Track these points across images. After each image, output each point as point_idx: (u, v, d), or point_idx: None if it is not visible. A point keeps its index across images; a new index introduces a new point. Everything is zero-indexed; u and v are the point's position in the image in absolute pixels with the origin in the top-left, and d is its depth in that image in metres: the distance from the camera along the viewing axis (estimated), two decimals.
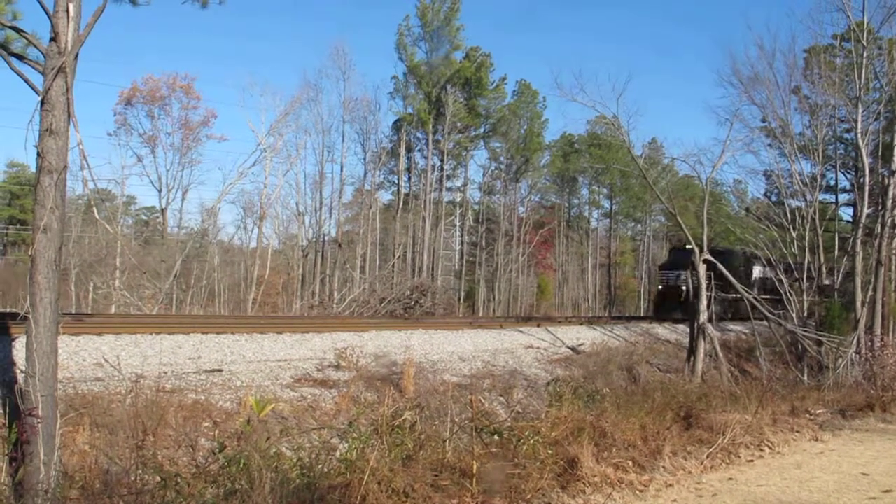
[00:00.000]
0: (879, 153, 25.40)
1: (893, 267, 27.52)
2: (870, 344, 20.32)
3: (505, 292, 53.72)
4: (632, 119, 29.70)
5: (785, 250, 25.76)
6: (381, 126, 51.48)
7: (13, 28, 7.56)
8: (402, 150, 51.29)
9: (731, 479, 8.64)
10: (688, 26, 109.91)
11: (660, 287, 34.09)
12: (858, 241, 22.85)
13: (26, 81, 7.40)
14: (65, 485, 6.81)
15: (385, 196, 55.87)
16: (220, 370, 12.37)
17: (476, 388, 14.01)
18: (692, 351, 19.56)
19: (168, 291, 36.99)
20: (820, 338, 20.22)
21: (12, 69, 7.45)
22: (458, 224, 56.63)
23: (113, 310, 33.95)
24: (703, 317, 19.34)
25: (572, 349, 20.68)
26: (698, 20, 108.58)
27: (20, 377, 8.72)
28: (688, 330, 21.67)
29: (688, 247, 23.07)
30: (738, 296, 24.92)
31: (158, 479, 5.88)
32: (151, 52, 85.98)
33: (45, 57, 7.36)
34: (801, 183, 25.81)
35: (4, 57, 7.51)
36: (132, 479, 5.93)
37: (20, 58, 7.63)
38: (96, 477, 7.18)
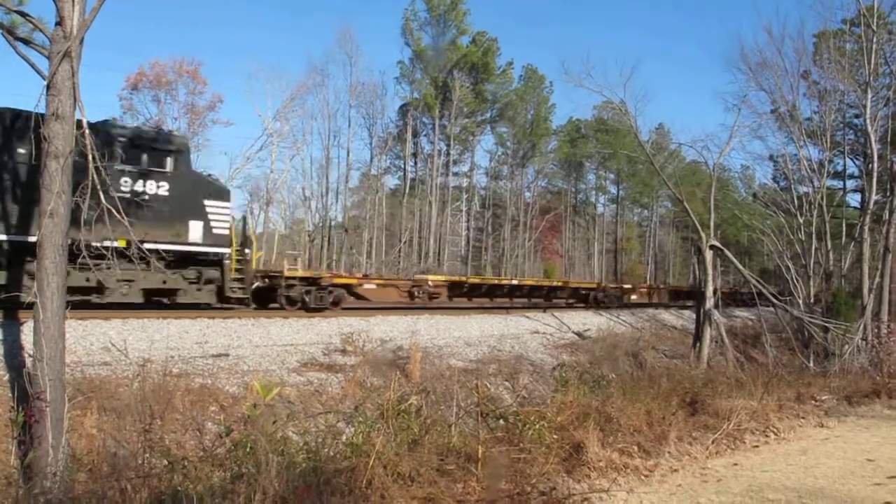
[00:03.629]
0: (888, 139, 25.26)
1: None
2: (876, 331, 20.27)
3: None
4: (639, 104, 29.67)
5: (792, 236, 25.68)
6: (387, 111, 51.36)
7: (19, 12, 7.56)
8: (409, 135, 51.17)
9: (736, 464, 8.65)
10: (695, 13, 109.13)
11: None
12: (866, 228, 22.74)
13: (32, 66, 7.41)
14: (73, 468, 6.87)
15: (391, 181, 55.88)
16: (227, 354, 12.42)
17: (482, 373, 14.05)
18: (698, 337, 19.55)
19: None
20: (826, 324, 20.17)
21: (18, 54, 7.46)
22: (464, 209, 56.54)
23: None
24: (709, 303, 19.30)
25: (578, 335, 20.70)
26: (706, 6, 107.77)
27: (28, 361, 8.78)
28: (694, 316, 21.64)
29: None
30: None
31: (166, 462, 5.91)
32: (156, 39, 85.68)
33: (50, 41, 7.36)
34: (808, 169, 25.69)
35: (10, 41, 7.51)
36: (140, 462, 5.97)
37: (26, 42, 7.63)
38: (104, 460, 7.24)
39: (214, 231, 16.04)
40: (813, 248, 24.55)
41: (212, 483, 5.53)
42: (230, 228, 16.55)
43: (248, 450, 5.86)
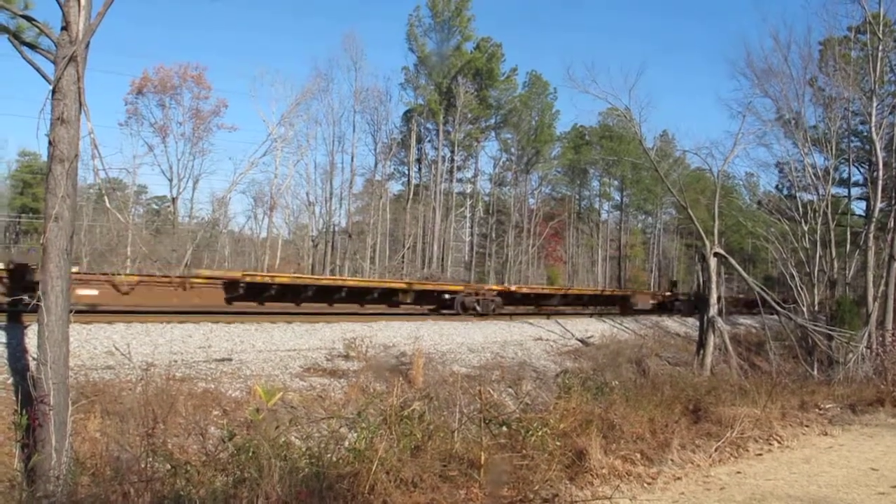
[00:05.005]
0: (893, 147, 25.21)
1: None
2: (881, 339, 20.18)
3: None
4: (643, 111, 29.58)
5: (796, 244, 25.64)
6: (391, 116, 51.45)
7: (25, 17, 7.58)
8: (413, 141, 51.24)
9: (739, 472, 8.62)
10: (701, 20, 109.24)
11: None
12: (871, 236, 22.69)
13: (38, 70, 7.43)
14: (76, 471, 6.87)
15: (395, 187, 55.95)
16: (230, 359, 12.42)
17: (485, 379, 14.03)
18: (702, 344, 19.52)
19: None
20: (830, 332, 20.12)
21: (24, 58, 7.49)
22: (468, 215, 56.59)
23: None
24: (713, 310, 19.27)
25: (581, 341, 20.67)
26: (711, 13, 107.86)
27: (32, 365, 8.80)
28: (697, 323, 21.61)
29: None
30: None
31: (169, 466, 5.92)
32: (161, 44, 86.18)
33: (56, 46, 7.38)
34: (813, 176, 25.65)
35: (16, 46, 7.54)
36: (143, 466, 5.97)
37: (32, 47, 7.65)
38: (107, 464, 7.24)
39: None
40: (817, 255, 24.50)
41: (214, 487, 5.53)
42: None
43: (250, 454, 5.86)
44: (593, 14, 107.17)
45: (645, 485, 7.66)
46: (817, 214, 24.65)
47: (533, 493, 6.51)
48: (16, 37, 7.62)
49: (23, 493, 6.07)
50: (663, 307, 31.48)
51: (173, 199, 45.14)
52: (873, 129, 22.41)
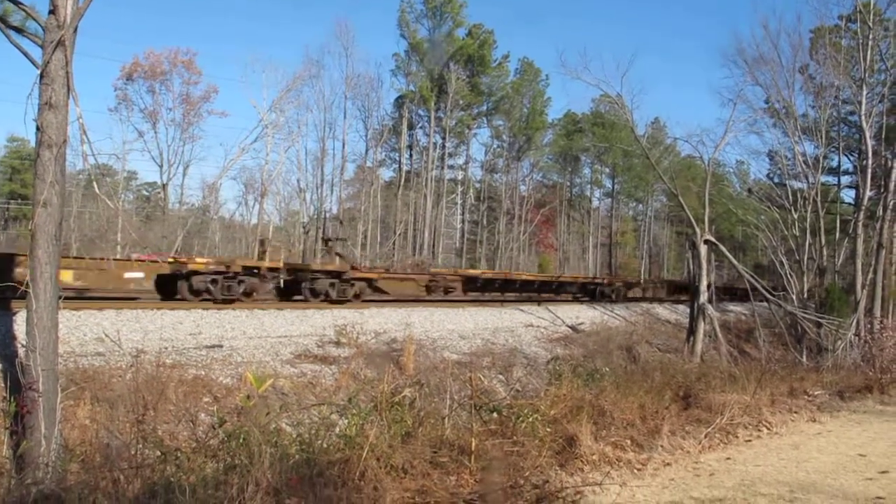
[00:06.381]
0: (883, 136, 25.31)
1: (894, 250, 27.51)
2: (869, 326, 20.33)
3: None
4: (635, 98, 29.56)
5: (786, 231, 25.74)
6: (383, 103, 51.31)
7: (11, 0, 7.48)
8: (404, 128, 51.08)
9: (728, 458, 8.67)
10: (692, 7, 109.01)
11: None
12: (860, 224, 22.81)
13: (25, 55, 7.33)
14: (65, 458, 6.84)
15: (387, 173, 55.84)
16: (221, 346, 12.40)
17: (476, 365, 14.05)
18: (692, 331, 19.60)
19: None
20: (819, 320, 20.25)
21: (11, 42, 7.38)
22: (459, 202, 56.55)
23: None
24: (703, 297, 19.34)
25: (572, 328, 20.72)
26: (703, 1, 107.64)
27: (21, 351, 8.75)
28: (688, 310, 21.69)
29: None
30: None
31: (159, 453, 5.90)
32: (151, 29, 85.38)
33: (43, 30, 7.29)
34: (803, 164, 25.73)
35: (3, 30, 7.43)
36: (132, 453, 5.95)
37: (19, 31, 7.55)
38: (97, 451, 7.22)
39: None
40: (807, 243, 24.62)
41: (205, 474, 5.51)
42: None
43: (241, 441, 5.85)
44: (586, 1, 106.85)
45: (635, 471, 7.69)
46: (807, 202, 24.76)
47: (523, 479, 6.52)
48: (2, 20, 7.52)
49: (11, 480, 6.04)
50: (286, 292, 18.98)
51: (163, 186, 44.85)
52: (863, 117, 22.48)
